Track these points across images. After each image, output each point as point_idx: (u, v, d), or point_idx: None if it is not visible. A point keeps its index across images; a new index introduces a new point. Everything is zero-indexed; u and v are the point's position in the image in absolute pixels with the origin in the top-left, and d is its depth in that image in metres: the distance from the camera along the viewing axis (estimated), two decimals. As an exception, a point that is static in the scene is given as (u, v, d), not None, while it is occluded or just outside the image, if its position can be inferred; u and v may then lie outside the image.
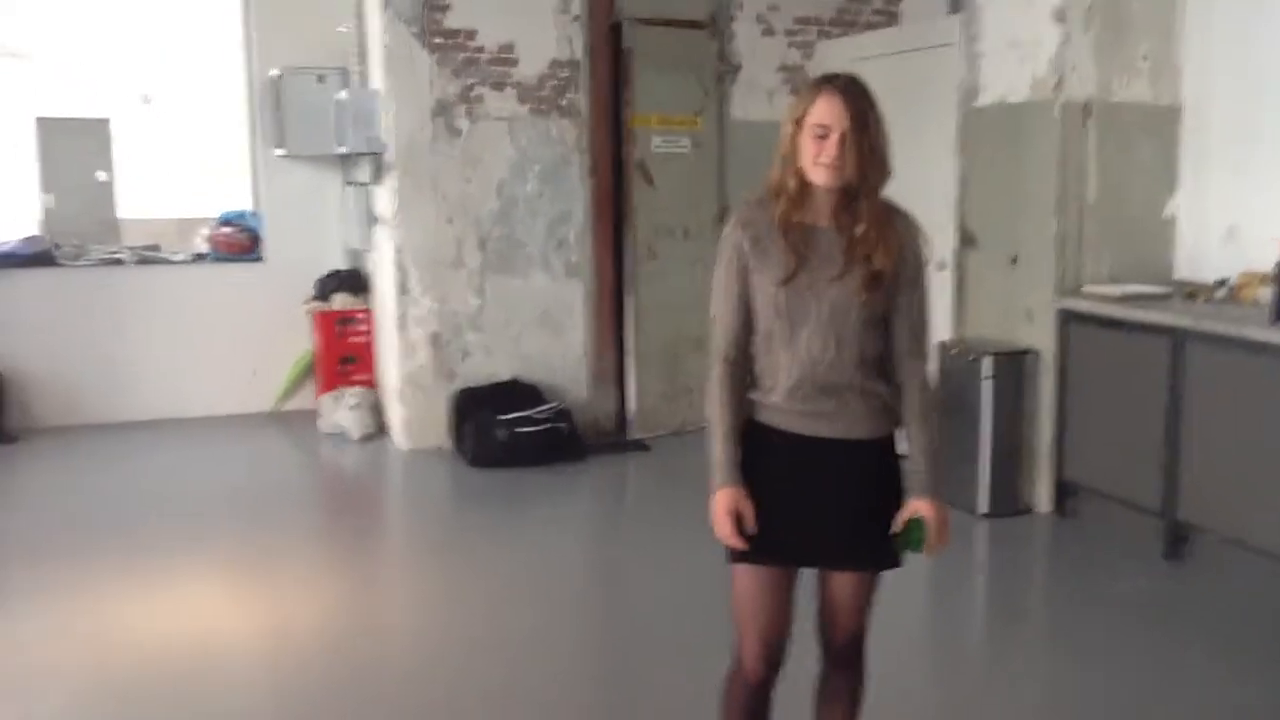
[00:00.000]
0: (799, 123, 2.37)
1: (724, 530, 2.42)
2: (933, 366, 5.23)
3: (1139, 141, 5.27)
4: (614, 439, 6.77)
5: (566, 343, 6.76)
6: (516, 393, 6.44)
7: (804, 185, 2.39)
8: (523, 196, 6.60)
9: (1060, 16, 5.13)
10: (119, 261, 7.23)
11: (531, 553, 5.00)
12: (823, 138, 2.33)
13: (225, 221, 7.47)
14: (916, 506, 2.44)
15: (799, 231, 2.39)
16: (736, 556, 2.47)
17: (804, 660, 2.62)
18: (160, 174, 8.13)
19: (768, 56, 7.04)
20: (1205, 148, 5.21)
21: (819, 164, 2.34)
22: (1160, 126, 5.29)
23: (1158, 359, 4.64)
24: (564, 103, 6.63)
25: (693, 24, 6.90)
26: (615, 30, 6.70)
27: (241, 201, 7.67)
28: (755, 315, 2.45)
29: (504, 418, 6.18)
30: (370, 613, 4.43)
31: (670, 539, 5.10)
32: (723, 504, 2.42)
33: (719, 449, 2.45)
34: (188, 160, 8.25)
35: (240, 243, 7.41)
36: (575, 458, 6.29)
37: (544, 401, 6.42)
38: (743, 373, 2.49)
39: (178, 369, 7.26)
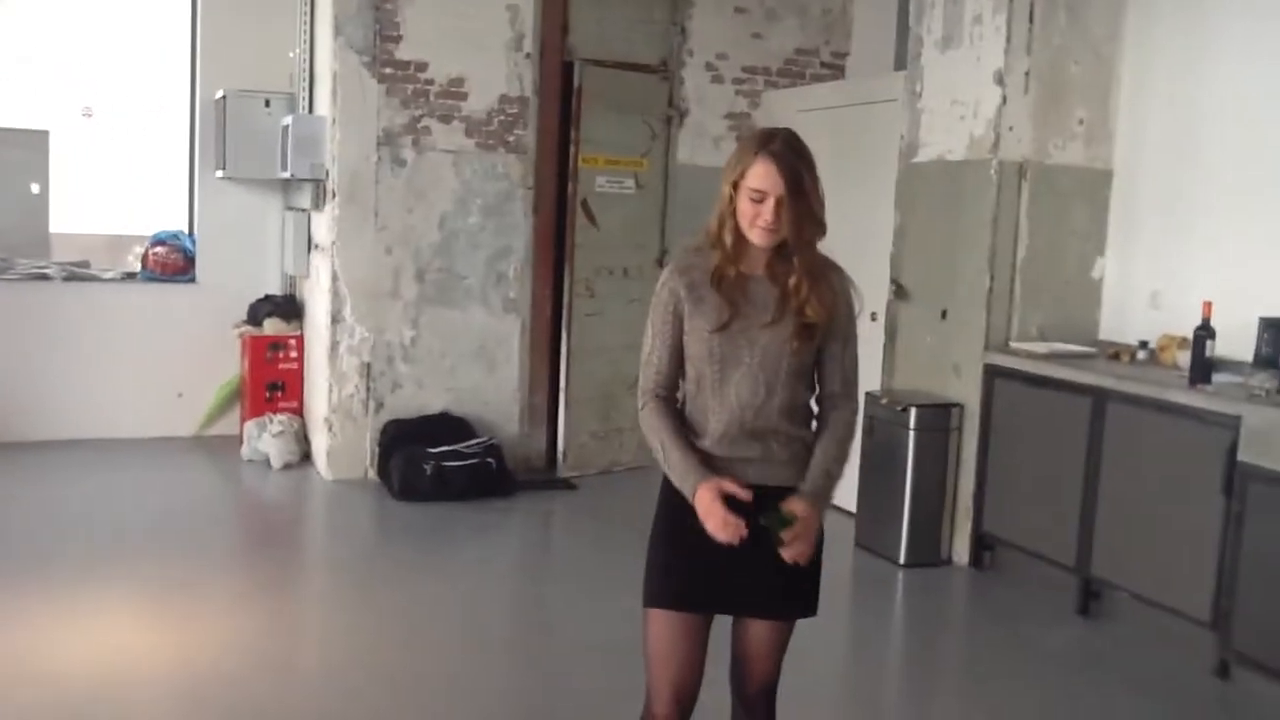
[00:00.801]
0: (736, 185, 2.39)
1: (718, 517, 2.34)
2: (859, 416, 5.29)
3: (1071, 203, 5.37)
4: (543, 476, 6.72)
5: (500, 378, 6.71)
6: (446, 426, 6.37)
7: (740, 239, 2.42)
8: (465, 230, 6.58)
9: (1000, 79, 5.23)
10: (46, 276, 7.09)
11: (453, 589, 4.92)
12: (759, 201, 2.36)
13: (159, 241, 7.36)
14: (795, 505, 2.39)
15: (734, 281, 2.41)
16: (651, 602, 2.46)
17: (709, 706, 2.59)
18: (96, 189, 8.00)
19: (715, 103, 7.12)
20: (1134, 213, 5.32)
21: (755, 226, 2.37)
22: (1092, 190, 5.40)
23: (1079, 417, 4.70)
24: (511, 139, 6.64)
25: (643, 67, 6.96)
26: (566, 69, 6.74)
27: (177, 222, 7.58)
28: (687, 360, 2.46)
29: (432, 451, 6.11)
30: (285, 648, 4.31)
31: (594, 578, 5.06)
32: (706, 497, 2.36)
33: (677, 459, 2.42)
34: (125, 177, 8.13)
35: (173, 263, 7.30)
36: (503, 494, 6.23)
37: (474, 436, 6.37)
38: (673, 407, 2.49)
39: (102, 389, 7.12)
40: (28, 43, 7.70)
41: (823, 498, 2.46)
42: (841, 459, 2.49)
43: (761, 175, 2.36)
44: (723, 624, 2.54)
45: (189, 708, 3.67)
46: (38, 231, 7.36)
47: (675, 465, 2.43)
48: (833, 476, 2.47)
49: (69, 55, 7.89)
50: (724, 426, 2.41)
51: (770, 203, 2.35)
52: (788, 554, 2.39)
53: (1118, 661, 4.34)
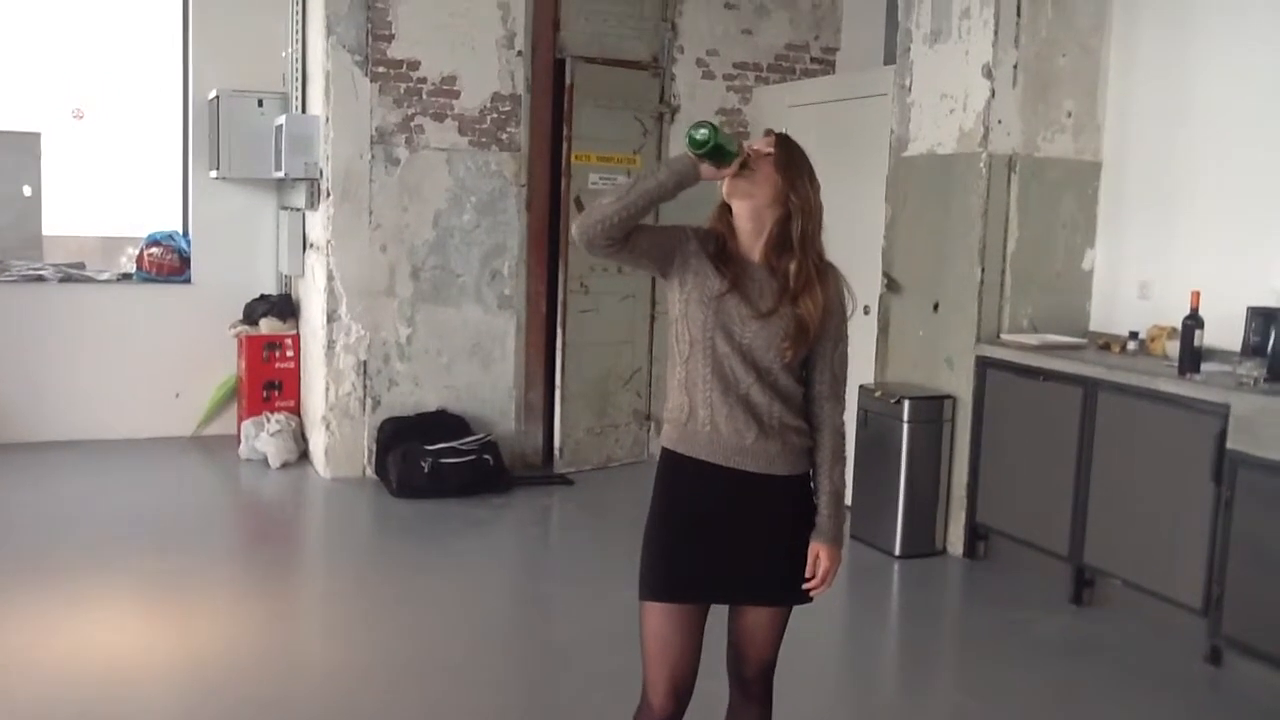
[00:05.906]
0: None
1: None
2: (852, 410, 5.34)
3: (1060, 195, 5.41)
4: (540, 472, 6.76)
5: (496, 375, 6.75)
6: (443, 424, 6.40)
7: (731, 230, 2.48)
8: (459, 227, 6.61)
9: (988, 72, 5.27)
10: (42, 278, 7.10)
11: (452, 583, 4.95)
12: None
13: (153, 242, 7.37)
14: (815, 549, 2.49)
15: (736, 259, 2.46)
16: (647, 594, 2.47)
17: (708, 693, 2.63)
18: (89, 191, 8.01)
19: (707, 99, 7.15)
20: (1122, 204, 5.37)
21: (729, 178, 2.43)
22: (1081, 182, 5.44)
23: (1070, 407, 4.74)
24: (504, 136, 6.67)
25: (634, 64, 6.99)
26: (558, 66, 6.77)
27: (171, 222, 7.59)
28: (681, 323, 2.46)
29: (429, 448, 6.14)
30: (286, 643, 4.34)
31: (591, 572, 5.10)
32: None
33: (649, 170, 2.45)
34: (118, 178, 8.13)
35: (168, 264, 7.32)
36: (500, 490, 6.27)
37: (471, 433, 6.40)
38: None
39: (99, 390, 7.14)
40: (17, 44, 7.69)
41: (840, 531, 2.53)
42: (843, 474, 2.56)
43: (760, 141, 2.48)
44: (718, 608, 2.56)
45: (193, 702, 3.70)
46: (30, 234, 7.38)
47: (650, 173, 2.43)
48: (840, 498, 2.54)
49: (60, 56, 7.89)
50: (715, 408, 2.42)
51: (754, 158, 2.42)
52: (811, 587, 2.50)
53: (1111, 648, 4.38)
